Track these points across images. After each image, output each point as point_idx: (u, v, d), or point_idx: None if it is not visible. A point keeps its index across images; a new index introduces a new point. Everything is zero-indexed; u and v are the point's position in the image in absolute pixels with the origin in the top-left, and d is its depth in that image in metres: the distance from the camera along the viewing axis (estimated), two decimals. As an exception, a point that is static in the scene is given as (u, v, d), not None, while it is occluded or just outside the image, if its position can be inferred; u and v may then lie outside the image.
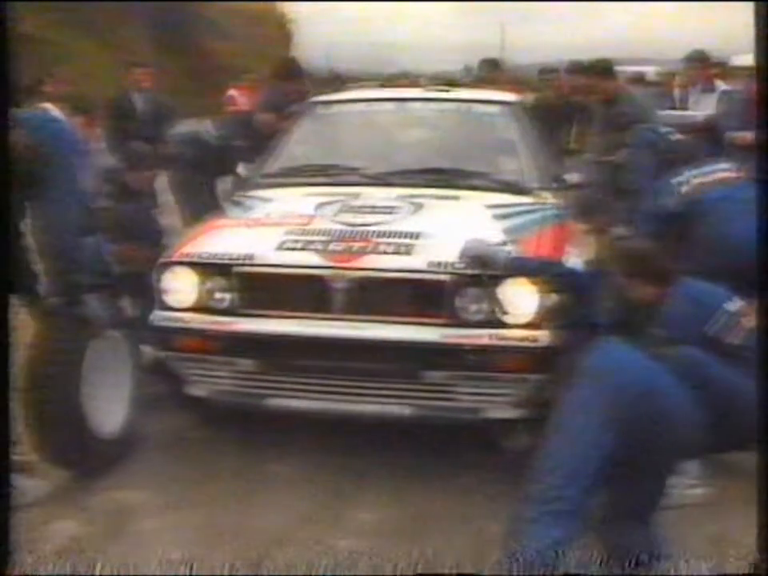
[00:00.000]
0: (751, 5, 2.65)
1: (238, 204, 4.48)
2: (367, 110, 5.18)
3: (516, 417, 3.49)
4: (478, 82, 7.81)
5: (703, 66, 7.32)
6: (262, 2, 30.89)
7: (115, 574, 2.78)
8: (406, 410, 3.53)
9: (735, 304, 3.51)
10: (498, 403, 3.49)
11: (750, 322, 3.48)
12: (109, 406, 3.75)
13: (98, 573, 2.77)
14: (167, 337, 3.71)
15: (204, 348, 3.65)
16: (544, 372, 3.42)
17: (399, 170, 4.51)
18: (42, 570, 2.77)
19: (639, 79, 9.50)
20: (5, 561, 2.66)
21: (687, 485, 3.37)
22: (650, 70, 10.27)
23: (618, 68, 9.57)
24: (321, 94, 6.24)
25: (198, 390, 3.78)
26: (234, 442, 3.97)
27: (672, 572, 2.73)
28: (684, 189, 4.42)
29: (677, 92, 7.71)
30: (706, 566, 2.80)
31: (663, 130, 5.68)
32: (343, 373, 3.52)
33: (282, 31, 31.59)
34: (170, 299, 3.71)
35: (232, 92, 10.74)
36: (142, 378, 3.97)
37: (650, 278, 3.69)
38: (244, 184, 4.88)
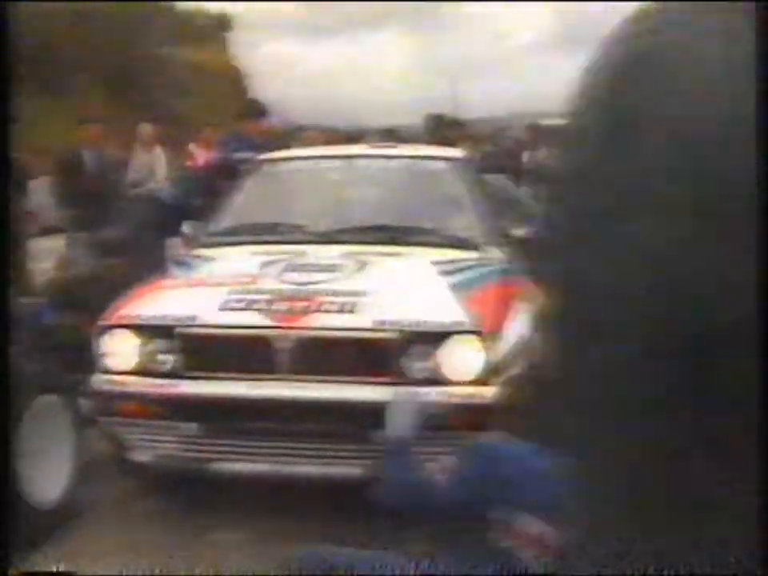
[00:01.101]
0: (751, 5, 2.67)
1: (180, 263, 4.42)
2: (314, 168, 5.17)
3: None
4: (431, 137, 7.89)
5: None
6: (218, 57, 31.19)
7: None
8: (356, 471, 3.46)
9: None
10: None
11: None
12: (47, 475, 3.63)
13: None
14: (108, 401, 3.63)
15: (146, 412, 3.56)
16: (493, 429, 3.38)
17: (345, 227, 4.49)
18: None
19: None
20: (5, 560, 2.56)
21: None
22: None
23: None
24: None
25: (141, 456, 3.68)
26: (179, 509, 3.85)
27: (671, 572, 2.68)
28: None
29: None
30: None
31: None
32: (290, 435, 3.45)
33: (239, 86, 31.83)
34: (110, 362, 3.63)
35: (191, 147, 10.78)
36: (83, 444, 3.86)
37: None
38: (189, 243, 4.83)
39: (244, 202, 4.96)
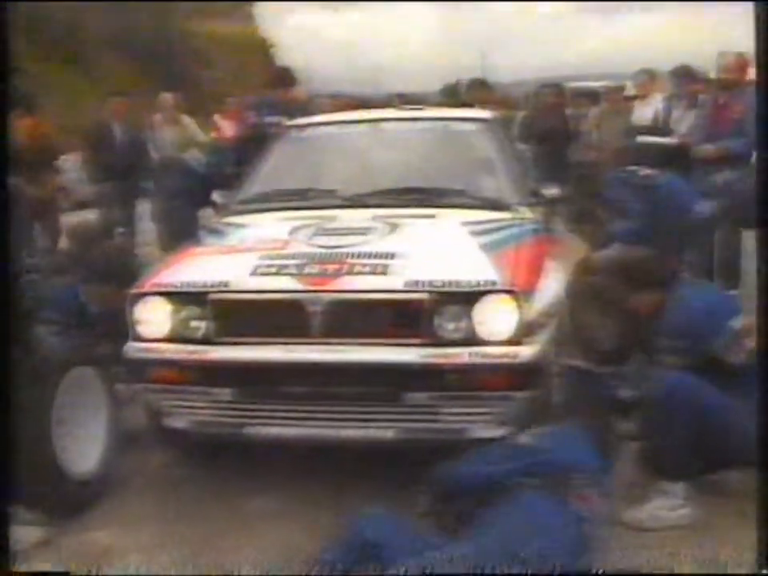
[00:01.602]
0: (751, 5, 2.63)
1: (212, 231, 4.42)
2: (341, 132, 5.13)
3: (501, 435, 3.40)
4: (467, 101, 7.87)
5: (688, 82, 7.37)
6: (243, 29, 31.05)
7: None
8: (389, 433, 3.45)
9: (740, 321, 3.46)
10: (482, 422, 3.41)
11: (752, 341, 3.41)
12: (83, 445, 3.66)
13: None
14: (142, 369, 3.63)
15: (180, 378, 3.57)
16: (527, 389, 3.36)
17: (375, 190, 4.45)
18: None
19: (592, 94, 9.58)
20: (5, 560, 2.59)
21: (672, 506, 3.29)
22: (598, 85, 10.34)
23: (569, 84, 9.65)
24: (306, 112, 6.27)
25: (176, 422, 3.69)
26: (215, 478, 3.86)
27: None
28: None
29: (660, 106, 7.75)
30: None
31: (632, 168, 5.93)
32: (322, 397, 3.44)
33: (264, 57, 31.72)
34: (144, 330, 3.63)
35: (216, 118, 10.73)
36: (118, 414, 3.89)
37: (647, 287, 3.64)
38: (219, 211, 4.83)
39: (273, 169, 4.94)
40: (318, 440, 3.54)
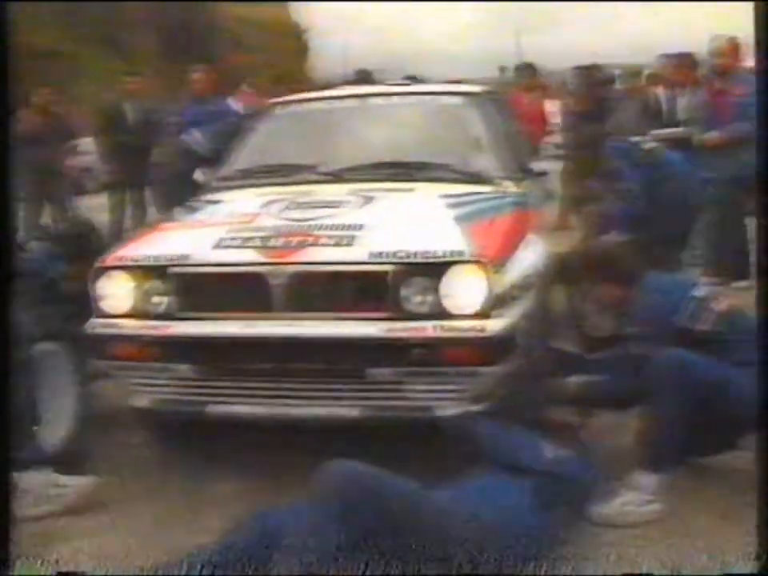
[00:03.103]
0: (751, 5, 2.55)
1: (185, 208, 4.30)
2: (327, 108, 5.00)
3: (470, 412, 3.25)
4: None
5: (690, 68, 7.17)
6: (276, 12, 30.88)
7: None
8: (354, 411, 3.32)
9: (702, 290, 3.40)
10: (450, 399, 3.26)
11: (721, 305, 3.34)
12: (47, 422, 3.56)
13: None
14: (104, 345, 3.52)
15: (141, 355, 3.45)
16: (496, 364, 3.21)
17: (355, 165, 4.31)
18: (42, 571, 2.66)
19: (611, 81, 9.37)
20: (5, 562, 2.51)
21: (641, 501, 3.12)
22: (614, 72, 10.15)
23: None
24: None
25: (140, 401, 3.58)
26: (182, 459, 3.75)
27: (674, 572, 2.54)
28: None
29: (663, 94, 7.54)
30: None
31: (635, 139, 5.77)
32: (285, 374, 3.31)
33: (298, 42, 31.58)
34: (106, 305, 3.52)
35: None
36: (85, 393, 3.78)
37: (616, 280, 3.54)
38: (200, 189, 4.72)
39: (255, 146, 4.83)
40: (283, 419, 3.40)
